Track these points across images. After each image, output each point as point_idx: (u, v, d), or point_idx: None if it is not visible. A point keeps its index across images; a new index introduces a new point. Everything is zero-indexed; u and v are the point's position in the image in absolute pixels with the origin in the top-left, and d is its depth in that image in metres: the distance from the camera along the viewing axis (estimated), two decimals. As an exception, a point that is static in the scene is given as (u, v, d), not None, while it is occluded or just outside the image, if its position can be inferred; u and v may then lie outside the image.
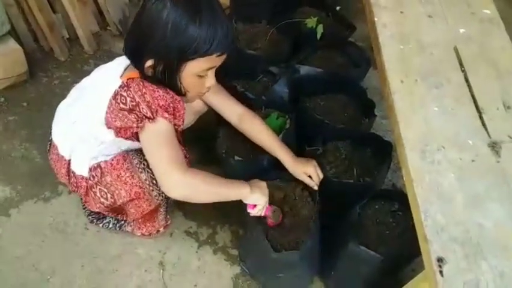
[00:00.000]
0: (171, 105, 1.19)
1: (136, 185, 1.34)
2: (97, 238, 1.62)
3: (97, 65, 2.19)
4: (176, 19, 1.07)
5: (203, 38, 1.09)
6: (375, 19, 1.45)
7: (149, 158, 1.23)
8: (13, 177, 1.74)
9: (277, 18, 1.97)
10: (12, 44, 1.97)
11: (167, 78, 1.17)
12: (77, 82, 1.47)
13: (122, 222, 1.61)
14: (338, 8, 2.26)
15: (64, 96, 1.45)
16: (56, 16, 2.18)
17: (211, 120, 1.64)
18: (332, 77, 1.76)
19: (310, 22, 1.82)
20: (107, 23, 2.39)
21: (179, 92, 1.21)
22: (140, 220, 1.54)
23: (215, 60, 1.17)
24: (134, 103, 1.16)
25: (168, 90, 1.19)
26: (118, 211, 1.54)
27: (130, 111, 1.16)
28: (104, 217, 1.62)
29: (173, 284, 1.55)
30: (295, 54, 1.90)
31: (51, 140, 1.42)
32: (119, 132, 1.23)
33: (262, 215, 1.38)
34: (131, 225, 1.60)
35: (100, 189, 1.36)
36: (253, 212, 1.36)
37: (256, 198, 1.33)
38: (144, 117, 1.16)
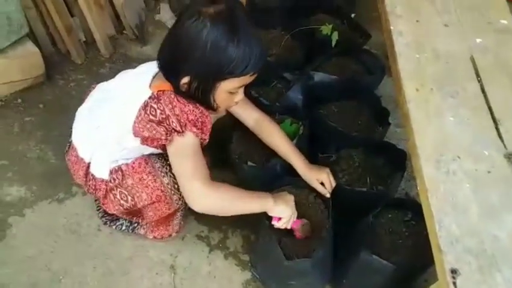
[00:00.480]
0: (199, 119, 1.20)
1: (158, 189, 1.35)
2: (109, 240, 1.63)
3: (112, 69, 2.24)
4: (216, 39, 1.07)
5: (240, 58, 1.10)
6: (391, 27, 1.45)
7: (175, 169, 1.25)
8: (28, 177, 1.77)
9: (292, 24, 1.98)
10: (30, 47, 2.00)
11: (200, 95, 1.18)
12: (93, 85, 1.48)
13: (135, 224, 1.62)
14: (353, 15, 2.25)
15: (80, 99, 1.47)
16: (73, 19, 2.20)
17: (226, 122, 1.64)
18: (346, 84, 1.76)
19: (325, 29, 1.82)
20: (124, 27, 2.42)
21: (211, 108, 1.22)
22: (153, 223, 1.55)
23: (248, 79, 1.18)
24: (164, 116, 1.17)
25: (197, 104, 1.20)
26: (133, 213, 1.54)
27: (159, 123, 1.18)
28: (118, 219, 1.63)
29: (184, 288, 1.55)
30: (310, 60, 1.90)
31: (70, 142, 1.43)
32: (145, 141, 1.25)
33: (289, 227, 1.37)
34: (144, 228, 1.61)
35: (120, 191, 1.37)
36: (277, 225, 1.35)
37: (280, 211, 1.32)
38: (173, 130, 1.18)
